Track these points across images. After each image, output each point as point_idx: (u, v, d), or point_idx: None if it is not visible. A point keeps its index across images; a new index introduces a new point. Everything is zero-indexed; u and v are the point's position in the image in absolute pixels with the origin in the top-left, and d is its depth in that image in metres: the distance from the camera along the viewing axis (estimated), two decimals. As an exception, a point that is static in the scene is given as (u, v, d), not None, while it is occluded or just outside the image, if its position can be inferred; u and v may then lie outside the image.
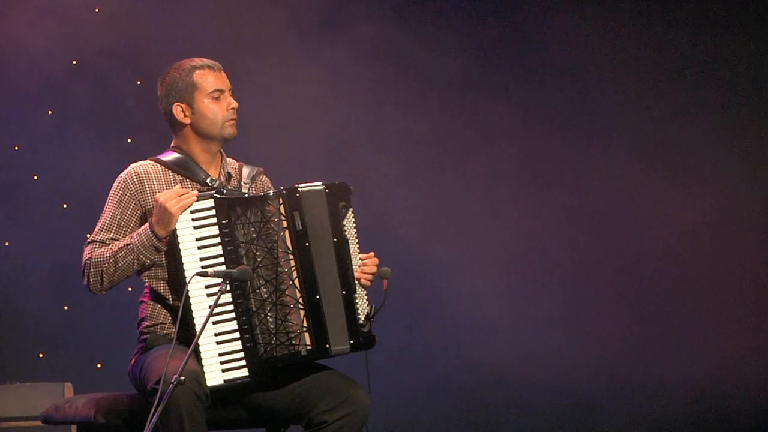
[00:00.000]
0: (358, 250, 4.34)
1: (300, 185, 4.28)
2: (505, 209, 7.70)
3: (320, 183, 4.31)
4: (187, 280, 4.10)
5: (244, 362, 4.16)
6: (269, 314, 4.21)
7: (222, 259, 4.18)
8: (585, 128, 7.80)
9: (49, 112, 7.13)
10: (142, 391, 4.26)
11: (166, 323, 4.36)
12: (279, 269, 4.23)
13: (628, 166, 7.76)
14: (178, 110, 4.42)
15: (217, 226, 4.20)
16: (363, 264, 4.34)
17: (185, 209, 4.19)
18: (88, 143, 7.13)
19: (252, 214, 4.23)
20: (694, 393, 7.52)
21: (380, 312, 4.31)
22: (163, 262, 4.32)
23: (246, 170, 4.54)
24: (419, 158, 7.67)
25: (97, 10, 7.16)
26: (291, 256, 4.23)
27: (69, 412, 4.48)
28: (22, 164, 7.08)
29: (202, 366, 4.11)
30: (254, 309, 4.20)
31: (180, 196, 4.19)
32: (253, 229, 4.23)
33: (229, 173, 4.50)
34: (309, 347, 4.21)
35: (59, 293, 7.00)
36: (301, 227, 4.25)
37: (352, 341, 4.25)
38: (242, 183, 4.49)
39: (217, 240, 4.19)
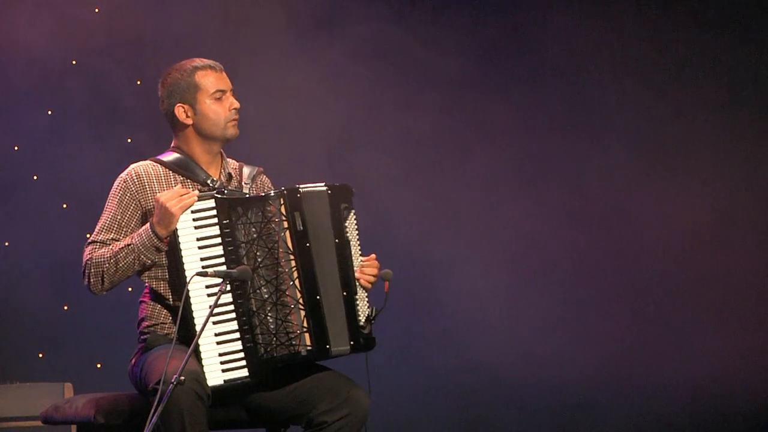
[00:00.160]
0: (360, 252, 4.34)
1: (301, 185, 4.28)
2: (505, 209, 7.69)
3: (322, 184, 4.30)
4: (187, 280, 4.10)
5: (244, 362, 4.16)
6: (269, 314, 4.21)
7: (223, 259, 4.18)
8: (585, 128, 7.80)
9: (49, 112, 7.12)
10: (142, 391, 4.26)
11: (166, 323, 4.36)
12: (279, 269, 4.22)
13: (628, 166, 7.75)
14: (180, 111, 4.42)
15: (217, 226, 4.20)
16: (363, 266, 4.33)
17: (186, 209, 4.19)
18: (88, 143, 7.13)
19: (253, 214, 4.23)
20: (694, 393, 7.51)
21: (381, 314, 4.31)
22: (164, 262, 4.32)
23: (246, 170, 4.54)
24: (419, 158, 7.67)
25: (96, 10, 7.16)
26: (292, 257, 4.23)
27: (69, 412, 4.48)
28: (22, 164, 7.07)
29: (202, 366, 4.11)
30: (254, 309, 4.20)
31: (181, 196, 4.20)
32: (254, 229, 4.23)
33: (229, 173, 4.50)
34: (309, 348, 4.21)
35: (59, 293, 6.99)
36: (301, 227, 4.24)
37: (352, 342, 4.24)
38: (243, 183, 4.49)
39: (218, 240, 4.19)
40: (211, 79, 4.43)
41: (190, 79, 4.41)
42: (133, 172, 4.40)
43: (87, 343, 6.98)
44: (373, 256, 4.39)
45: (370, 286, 4.34)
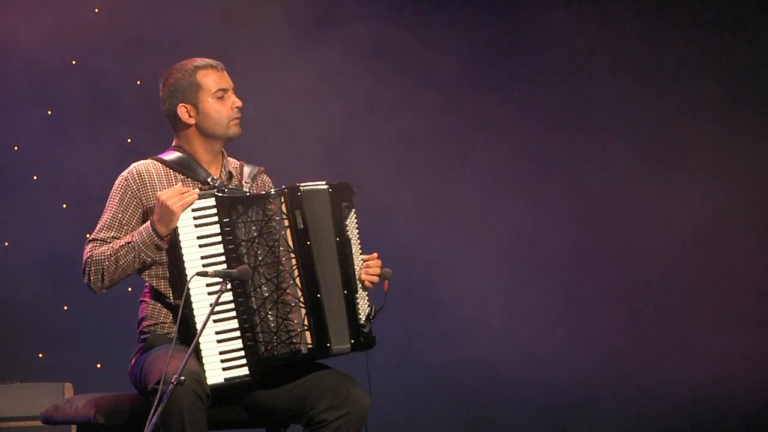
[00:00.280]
0: (360, 251, 4.34)
1: (302, 184, 4.28)
2: (504, 208, 7.69)
3: (323, 182, 4.31)
4: (188, 280, 4.10)
5: (244, 361, 4.16)
6: (270, 313, 4.21)
7: (223, 258, 4.18)
8: (584, 127, 7.80)
9: (49, 112, 7.12)
10: (142, 391, 4.25)
11: (166, 322, 4.36)
12: (280, 268, 4.22)
13: (628, 166, 7.75)
14: (182, 111, 4.42)
15: (218, 225, 4.21)
16: (366, 265, 4.33)
17: (187, 207, 4.20)
18: (88, 143, 7.13)
19: (253, 212, 4.23)
20: (694, 393, 7.51)
21: (380, 313, 4.31)
22: (164, 260, 4.32)
23: (247, 169, 4.54)
24: (418, 157, 7.66)
25: (96, 10, 7.16)
26: (292, 255, 4.23)
27: (69, 412, 4.48)
28: (22, 164, 7.07)
29: (203, 364, 4.11)
30: (255, 308, 4.20)
31: (181, 194, 4.20)
32: (254, 227, 4.23)
33: (230, 172, 4.50)
34: (310, 346, 4.21)
35: (59, 293, 6.99)
36: (302, 226, 4.24)
37: (352, 341, 4.24)
38: (243, 182, 4.49)
39: (219, 238, 4.20)
40: (212, 78, 4.43)
41: (192, 78, 4.41)
42: (134, 171, 4.40)
43: (87, 342, 6.98)
44: (375, 254, 4.39)
45: (371, 285, 4.34)
